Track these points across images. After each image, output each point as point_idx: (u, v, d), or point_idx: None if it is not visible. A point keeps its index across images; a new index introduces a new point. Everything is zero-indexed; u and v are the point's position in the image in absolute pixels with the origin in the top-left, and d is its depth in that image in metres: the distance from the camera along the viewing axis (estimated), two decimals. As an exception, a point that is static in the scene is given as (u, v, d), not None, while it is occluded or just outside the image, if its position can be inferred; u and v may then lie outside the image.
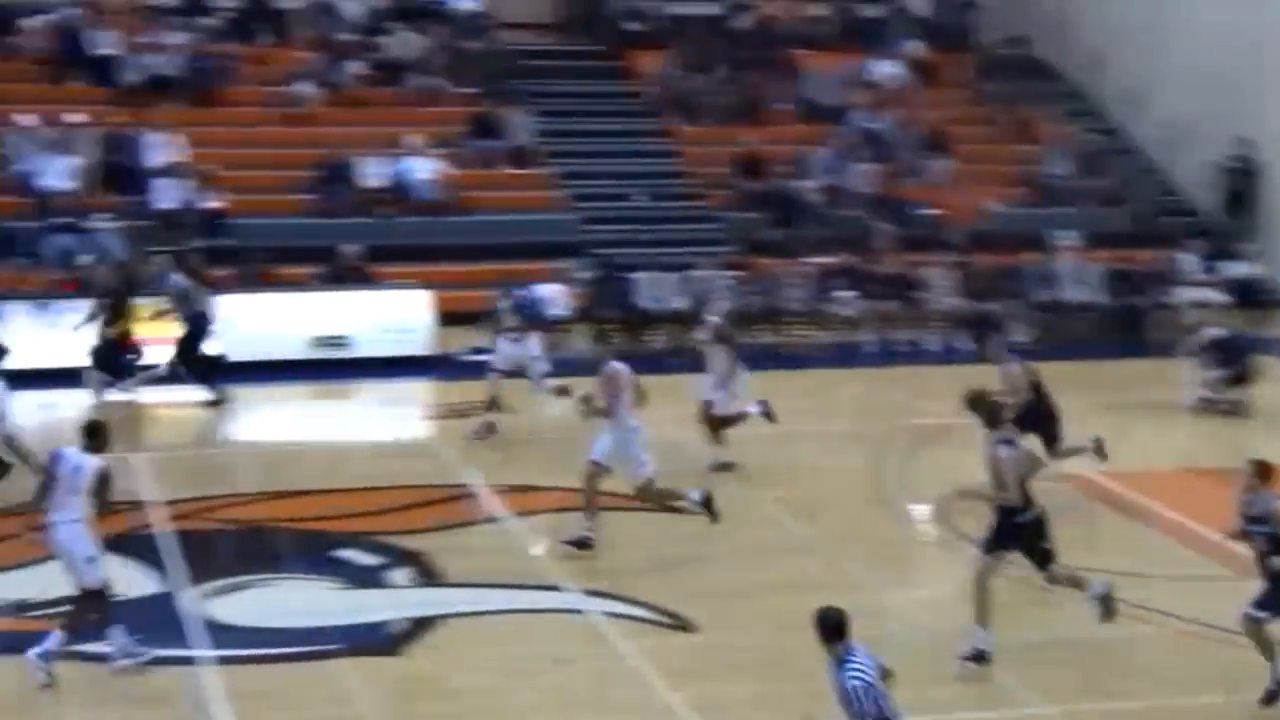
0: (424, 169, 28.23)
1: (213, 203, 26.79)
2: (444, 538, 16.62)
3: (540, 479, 18.48)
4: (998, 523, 13.35)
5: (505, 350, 20.75)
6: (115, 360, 22.05)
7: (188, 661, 13.49)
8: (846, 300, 26.14)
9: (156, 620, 14.14)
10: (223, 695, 12.79)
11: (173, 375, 22.10)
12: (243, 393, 22.58)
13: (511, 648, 13.93)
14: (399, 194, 28.11)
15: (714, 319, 19.73)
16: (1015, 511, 13.22)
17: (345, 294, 24.52)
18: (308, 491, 18.05)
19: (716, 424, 19.03)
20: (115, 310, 22.05)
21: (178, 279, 22.65)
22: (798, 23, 33.74)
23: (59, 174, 26.59)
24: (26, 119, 27.12)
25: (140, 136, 27.51)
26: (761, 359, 22.66)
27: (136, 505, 17.28)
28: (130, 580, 15.03)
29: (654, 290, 25.75)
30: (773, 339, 25.81)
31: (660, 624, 14.45)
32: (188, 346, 22.21)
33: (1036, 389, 18.05)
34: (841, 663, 9.90)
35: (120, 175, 27.22)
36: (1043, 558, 13.37)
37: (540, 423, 21.06)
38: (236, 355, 23.15)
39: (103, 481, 13.07)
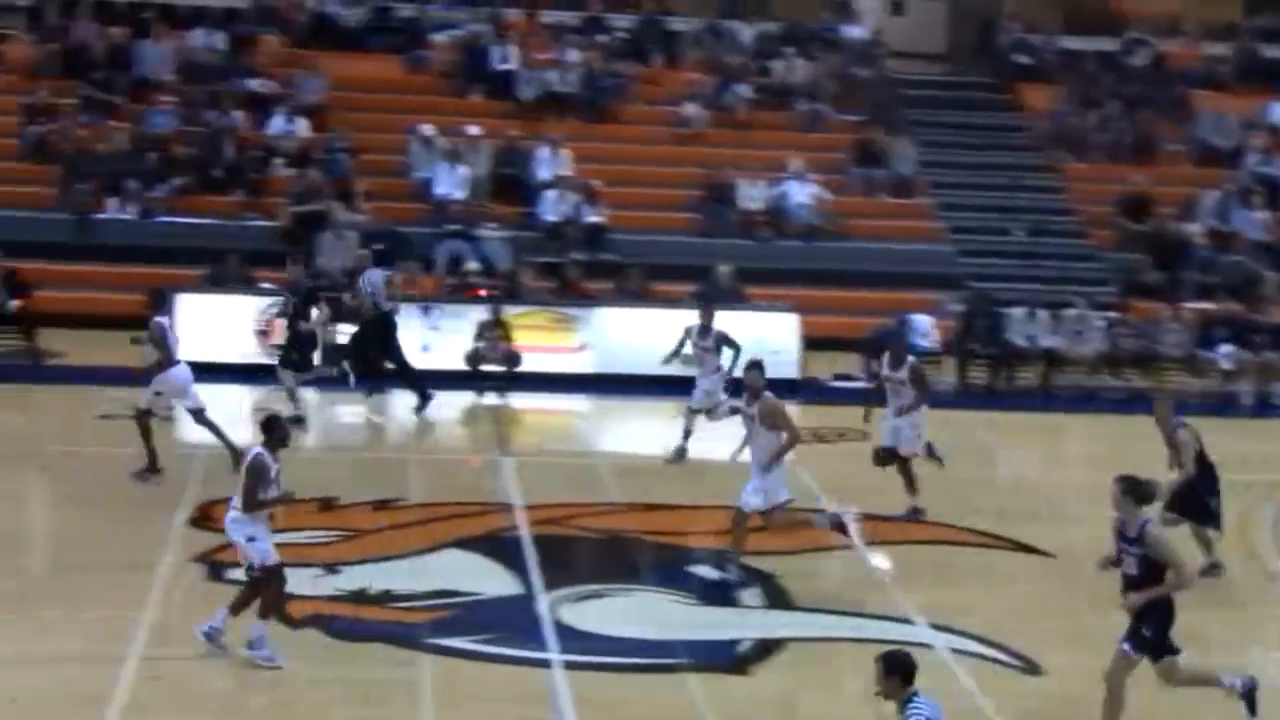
0: (804, 194, 28.44)
1: (596, 217, 27.48)
2: (796, 561, 16.71)
3: (892, 510, 18.44)
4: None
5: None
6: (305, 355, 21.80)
7: (540, 664, 13.89)
8: (1226, 351, 25.33)
9: (512, 620, 14.61)
10: (569, 700, 13.13)
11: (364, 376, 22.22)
12: (612, 405, 23.10)
13: (856, 676, 13.94)
14: (777, 217, 28.39)
15: (912, 359, 18.82)
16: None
17: (716, 314, 24.73)
18: (667, 506, 18.36)
19: (899, 463, 18.37)
20: (301, 307, 21.68)
21: (375, 276, 22.45)
22: (1195, 62, 32.88)
23: (454, 183, 27.67)
24: (428, 129, 28.27)
25: (532, 150, 28.41)
26: (1131, 403, 22.17)
27: (502, 508, 17.89)
28: (490, 580, 15.59)
29: (1026, 327, 25.39)
30: (1144, 384, 25.18)
31: (1008, 665, 14.29)
32: (369, 347, 22.24)
33: None
34: (905, 703, 9.97)
35: (510, 186, 28.18)
36: None
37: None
38: (607, 368, 23.70)
39: (248, 474, 13.20)
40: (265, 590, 13.31)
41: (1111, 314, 26.23)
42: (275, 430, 13.51)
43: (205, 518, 16.94)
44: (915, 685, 10.00)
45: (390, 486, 18.40)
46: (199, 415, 18.30)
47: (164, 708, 12.56)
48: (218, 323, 23.76)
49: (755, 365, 16.27)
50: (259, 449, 13.37)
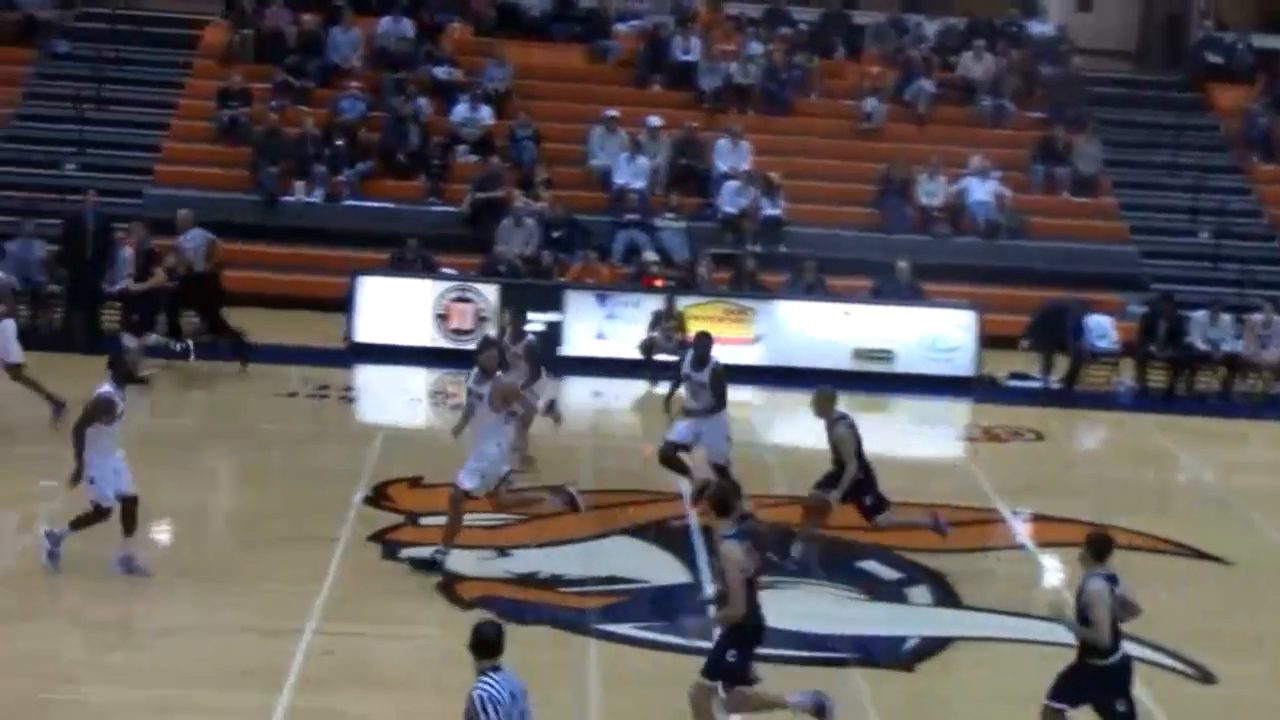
0: (984, 190, 28.20)
1: (774, 210, 27.48)
2: (966, 560, 16.63)
3: (1064, 511, 18.26)
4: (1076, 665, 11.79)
5: None
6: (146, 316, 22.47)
7: (707, 652, 13.93)
8: None
9: (679, 609, 14.68)
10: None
11: None
12: (784, 398, 23.10)
13: (1021, 678, 13.84)
14: (957, 214, 28.18)
15: (716, 362, 17.67)
16: (1099, 653, 11.60)
17: (893, 309, 24.74)
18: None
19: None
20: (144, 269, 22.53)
21: (195, 237, 22.94)
22: (1397, 62, 32.08)
23: (633, 173, 27.83)
24: (611, 116, 28.44)
25: (712, 141, 28.48)
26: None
27: (672, 497, 18.00)
28: (659, 568, 15.70)
29: (1209, 331, 24.94)
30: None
31: (1182, 672, 14.11)
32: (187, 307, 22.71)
33: None
34: (479, 675, 9.63)
35: (689, 177, 28.28)
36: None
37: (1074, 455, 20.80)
38: (781, 361, 23.73)
39: (96, 404, 14.27)
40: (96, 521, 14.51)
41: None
42: (119, 366, 14.77)
43: (383, 497, 17.28)
44: (500, 660, 9.69)
45: (562, 472, 18.57)
46: (15, 371, 18.96)
47: (337, 682, 12.82)
48: (398, 306, 24.13)
49: (488, 344, 15.97)
50: (107, 386, 14.40)
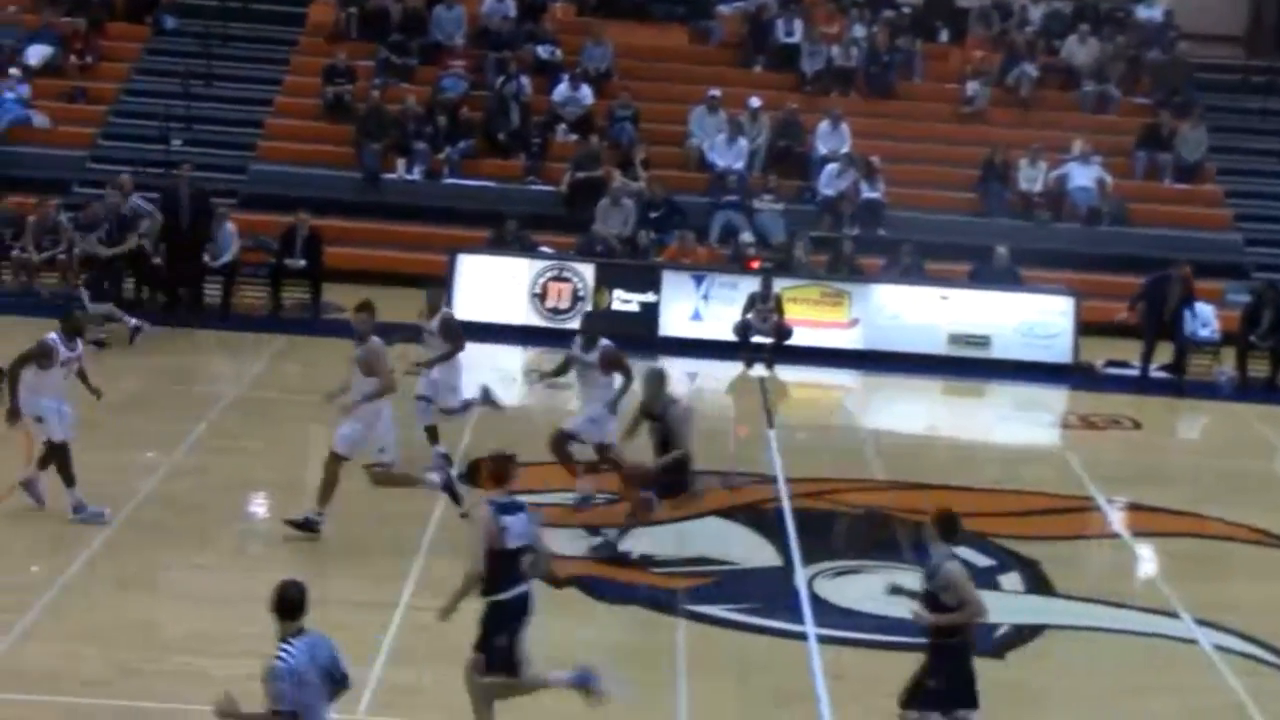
0: (1086, 176, 27.96)
1: (873, 193, 27.39)
2: (1060, 548, 16.56)
3: (1161, 501, 18.14)
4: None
5: None
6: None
7: (796, 636, 14.01)
8: None
9: (770, 592, 14.76)
10: (822, 674, 13.23)
11: None
12: (879, 381, 23.09)
13: (1115, 668, 13.81)
14: (1058, 199, 27.98)
15: (606, 344, 16.59)
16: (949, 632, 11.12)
17: (990, 295, 24.61)
18: (930, 485, 18.30)
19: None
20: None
21: (138, 203, 23.54)
22: None
23: (733, 154, 27.82)
24: (713, 96, 28.45)
25: (812, 124, 28.42)
26: None
27: (765, 479, 18.04)
28: (750, 550, 15.75)
29: (1314, 320, 24.57)
30: None
31: (1273, 664, 14.00)
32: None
33: None
34: (281, 641, 9.31)
35: (789, 159, 28.24)
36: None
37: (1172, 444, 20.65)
38: (877, 345, 23.69)
39: (37, 346, 15.13)
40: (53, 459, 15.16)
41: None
42: (69, 321, 15.42)
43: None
44: (302, 623, 9.38)
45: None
46: None
47: (428, 657, 12.96)
48: (496, 284, 24.29)
49: (364, 307, 15.61)
50: (53, 334, 15.22)
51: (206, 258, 23.89)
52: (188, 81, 28.44)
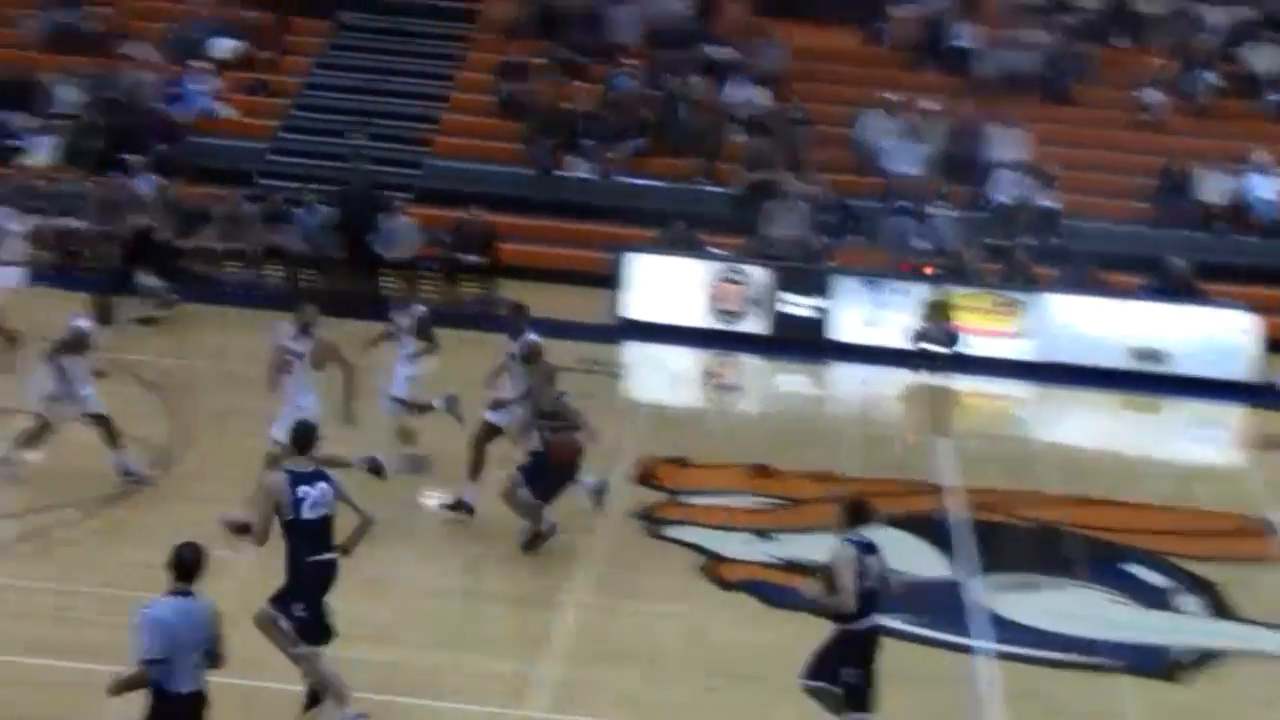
0: (1268, 188, 27.35)
1: (1048, 201, 27.00)
2: (1239, 570, 16.22)
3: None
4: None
5: None
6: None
7: (965, 650, 13.85)
8: None
9: (940, 604, 14.60)
10: (995, 689, 13.06)
11: None
12: (1051, 393, 22.75)
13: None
14: (1238, 211, 27.40)
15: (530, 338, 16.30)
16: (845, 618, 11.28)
17: (1170, 308, 24.12)
18: (1106, 501, 18.00)
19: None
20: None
21: (144, 184, 23.93)
22: None
23: (907, 159, 27.57)
24: (890, 99, 28.24)
25: (987, 129, 28.08)
26: None
27: (935, 489, 17.85)
28: (919, 560, 15.59)
29: None
30: None
31: None
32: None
33: None
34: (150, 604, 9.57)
35: (963, 165, 27.91)
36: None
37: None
38: (1049, 356, 23.35)
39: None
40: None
41: None
42: (99, 307, 17.46)
43: (648, 474, 17.43)
44: (192, 585, 9.60)
45: (824, 457, 18.56)
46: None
47: (591, 655, 12.98)
48: (668, 285, 24.26)
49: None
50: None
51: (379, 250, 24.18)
52: (366, 77, 28.79)
